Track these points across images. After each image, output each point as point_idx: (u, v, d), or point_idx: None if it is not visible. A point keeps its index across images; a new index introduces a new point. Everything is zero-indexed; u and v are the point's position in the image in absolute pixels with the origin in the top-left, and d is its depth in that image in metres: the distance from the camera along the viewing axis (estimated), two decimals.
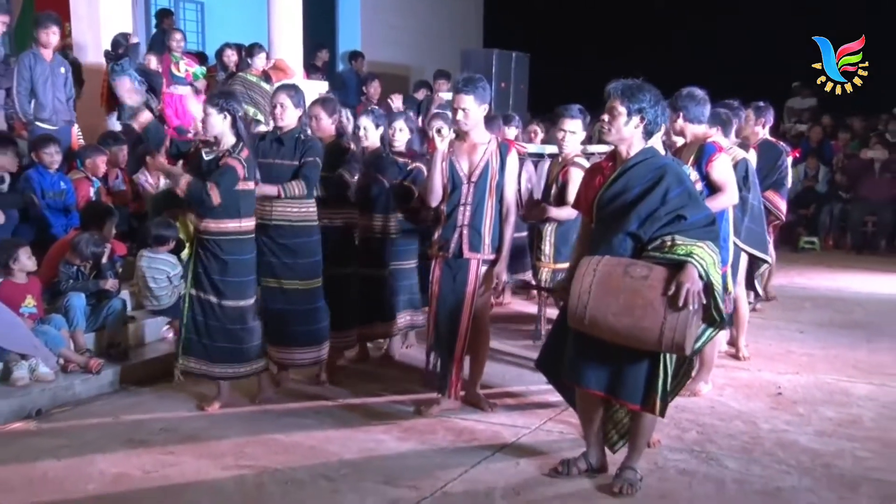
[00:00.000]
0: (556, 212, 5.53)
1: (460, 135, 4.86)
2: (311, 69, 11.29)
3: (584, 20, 16.82)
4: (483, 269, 4.84)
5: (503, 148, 4.86)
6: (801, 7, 14.76)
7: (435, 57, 13.94)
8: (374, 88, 11.10)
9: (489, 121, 5.36)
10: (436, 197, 4.84)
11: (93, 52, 8.80)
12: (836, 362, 6.16)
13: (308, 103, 5.48)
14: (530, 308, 7.22)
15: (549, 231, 5.78)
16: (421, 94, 11.20)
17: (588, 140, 6.32)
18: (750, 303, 6.38)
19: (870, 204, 11.81)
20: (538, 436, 4.65)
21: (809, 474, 4.18)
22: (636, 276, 3.66)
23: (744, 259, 5.68)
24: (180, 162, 5.23)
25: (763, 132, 6.80)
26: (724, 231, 4.80)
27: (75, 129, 7.67)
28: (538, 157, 7.72)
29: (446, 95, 9.51)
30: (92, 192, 6.80)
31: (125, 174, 7.46)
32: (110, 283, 5.80)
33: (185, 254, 6.27)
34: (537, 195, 6.68)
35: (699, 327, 3.77)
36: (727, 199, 4.96)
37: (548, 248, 5.78)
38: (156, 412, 5.00)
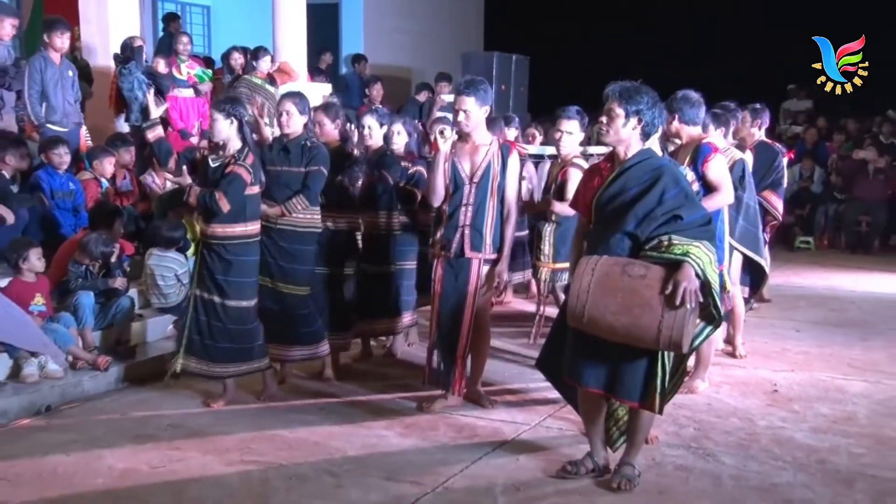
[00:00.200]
0: (559, 206, 5.63)
1: (462, 136, 4.91)
2: (314, 72, 11.35)
3: (583, 23, 16.89)
4: (485, 268, 4.89)
5: (505, 149, 4.91)
6: (799, 9, 14.80)
7: (436, 60, 13.99)
8: (377, 91, 11.15)
9: (490, 122, 5.42)
10: (438, 197, 4.89)
11: (101, 54, 8.88)
12: (831, 360, 6.19)
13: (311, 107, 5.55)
14: (530, 307, 7.27)
15: (548, 231, 5.88)
16: (423, 97, 11.29)
17: (587, 141, 6.41)
18: (748, 301, 6.43)
19: (864, 204, 11.85)
20: (538, 432, 4.69)
21: (805, 470, 4.22)
22: (634, 276, 3.69)
23: (737, 257, 5.72)
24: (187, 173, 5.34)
25: (759, 133, 6.85)
26: (719, 231, 4.85)
27: (84, 130, 7.71)
28: (538, 159, 7.80)
29: (448, 97, 9.56)
30: (100, 192, 6.86)
31: (132, 175, 7.53)
32: (119, 282, 5.88)
33: (190, 252, 6.35)
34: (537, 196, 6.77)
35: (696, 325, 3.81)
36: (723, 199, 5.03)
37: (547, 248, 5.88)
38: (162, 409, 5.06)
